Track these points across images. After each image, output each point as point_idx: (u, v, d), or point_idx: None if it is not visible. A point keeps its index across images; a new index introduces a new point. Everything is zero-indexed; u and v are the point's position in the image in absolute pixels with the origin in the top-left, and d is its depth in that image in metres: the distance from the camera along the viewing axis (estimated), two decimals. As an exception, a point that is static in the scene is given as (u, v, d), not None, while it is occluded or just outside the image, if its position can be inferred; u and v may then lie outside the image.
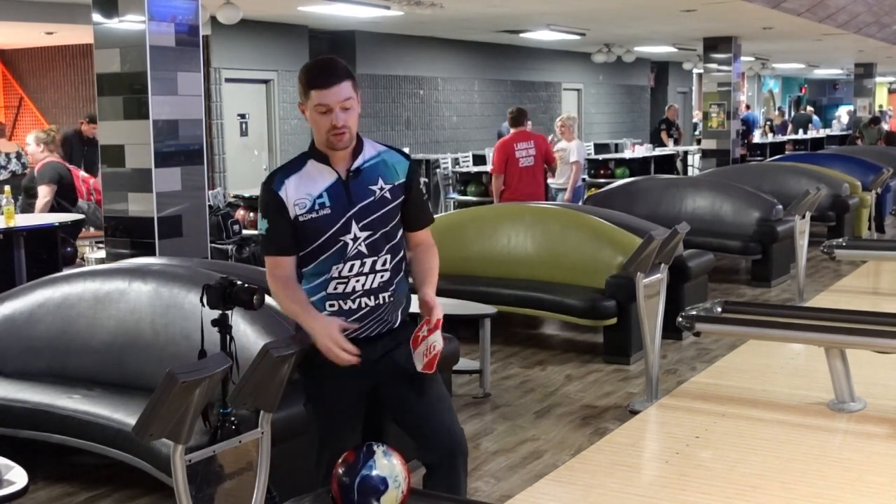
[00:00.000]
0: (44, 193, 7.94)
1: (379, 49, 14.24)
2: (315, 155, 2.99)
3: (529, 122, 8.94)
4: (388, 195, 2.99)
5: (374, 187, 2.98)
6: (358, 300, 2.98)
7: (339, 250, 2.94)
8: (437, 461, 3.03)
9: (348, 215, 2.93)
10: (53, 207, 7.98)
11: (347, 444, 2.98)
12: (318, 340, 2.89)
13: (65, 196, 8.17)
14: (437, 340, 2.92)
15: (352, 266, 2.95)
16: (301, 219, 2.93)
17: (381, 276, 2.99)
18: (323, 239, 2.94)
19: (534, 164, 8.63)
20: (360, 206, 2.95)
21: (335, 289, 2.97)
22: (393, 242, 3.02)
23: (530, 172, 8.61)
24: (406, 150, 3.21)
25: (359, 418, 3.13)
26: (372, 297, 2.99)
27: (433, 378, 3.05)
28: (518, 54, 17.21)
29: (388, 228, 2.99)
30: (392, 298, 3.03)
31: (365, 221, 2.95)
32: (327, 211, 2.93)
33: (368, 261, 2.96)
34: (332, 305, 2.98)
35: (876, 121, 20.51)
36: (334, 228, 2.93)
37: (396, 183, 3.01)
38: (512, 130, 8.79)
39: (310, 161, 2.99)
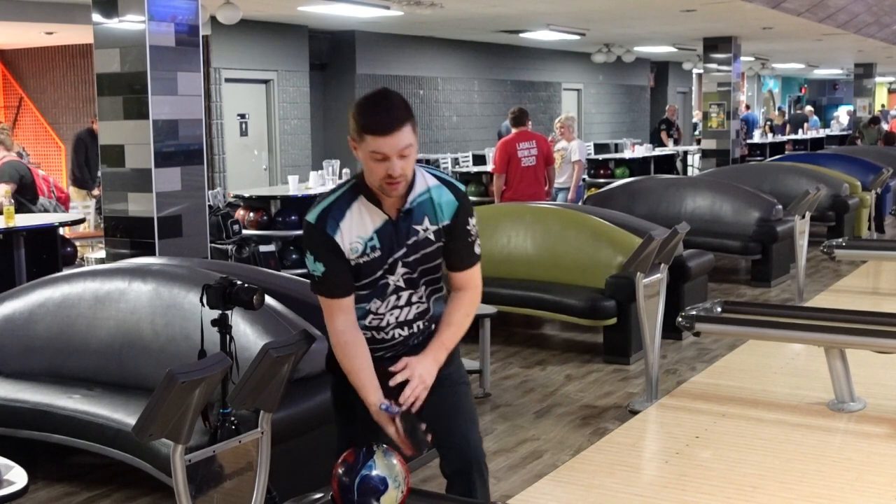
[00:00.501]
0: (2, 193, 7.93)
1: (379, 49, 14.24)
2: (366, 193, 2.77)
3: (530, 122, 8.95)
4: (431, 236, 2.83)
5: (418, 227, 2.81)
6: (392, 331, 2.91)
7: (381, 288, 2.85)
8: (451, 472, 3.00)
9: (396, 256, 2.81)
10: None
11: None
12: (382, 424, 2.78)
13: (25, 194, 8.16)
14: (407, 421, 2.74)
15: (388, 301, 2.87)
16: (353, 262, 2.78)
17: (417, 308, 2.91)
18: (370, 279, 2.82)
19: (535, 164, 8.64)
20: (406, 245, 2.81)
21: (370, 322, 2.89)
22: (432, 276, 2.92)
23: (532, 172, 8.62)
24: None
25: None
26: (405, 328, 2.92)
27: (455, 382, 3.00)
28: (518, 54, 17.21)
29: (428, 266, 2.88)
30: (425, 325, 2.95)
31: (408, 260, 2.83)
32: (377, 253, 2.78)
33: (405, 294, 2.87)
34: (364, 334, 2.89)
35: (876, 121, 20.50)
36: (382, 270, 2.81)
37: (441, 225, 2.83)
38: (513, 130, 8.79)
39: (360, 198, 2.78)
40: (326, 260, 2.77)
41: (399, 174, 2.67)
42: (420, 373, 2.78)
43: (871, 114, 21.60)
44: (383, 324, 2.90)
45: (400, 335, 2.92)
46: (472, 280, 2.95)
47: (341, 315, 2.83)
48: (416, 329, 2.93)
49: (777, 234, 8.82)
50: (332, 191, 2.84)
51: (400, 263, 2.82)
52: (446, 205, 2.82)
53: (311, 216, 2.78)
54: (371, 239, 2.77)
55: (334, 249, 2.76)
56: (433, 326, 2.95)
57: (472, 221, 2.89)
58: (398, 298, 2.87)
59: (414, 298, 2.89)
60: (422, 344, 2.92)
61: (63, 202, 8.60)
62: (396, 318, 2.90)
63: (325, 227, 2.75)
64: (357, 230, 2.76)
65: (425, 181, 2.82)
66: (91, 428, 4.01)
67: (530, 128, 8.92)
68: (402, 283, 2.85)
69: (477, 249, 2.93)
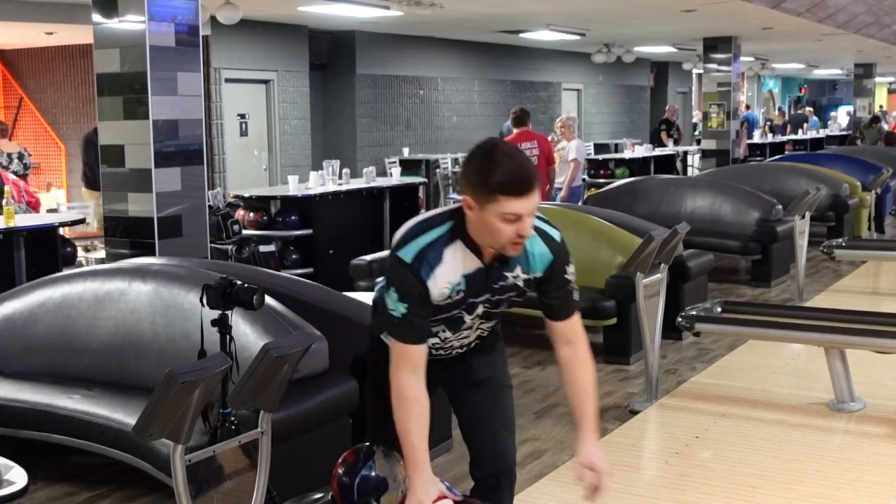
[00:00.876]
0: None
1: (379, 49, 14.23)
2: (466, 241, 2.64)
3: (531, 123, 8.95)
4: (520, 283, 2.76)
5: (509, 273, 2.73)
6: (453, 351, 2.91)
7: (455, 321, 2.79)
8: (482, 477, 2.97)
9: (479, 299, 2.75)
10: None
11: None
12: (409, 493, 2.68)
13: None
14: None
15: (460, 333, 2.84)
16: (436, 302, 2.68)
17: (481, 333, 2.90)
18: (446, 316, 2.75)
19: (536, 164, 8.64)
20: (493, 287, 2.74)
21: (434, 344, 2.82)
22: (502, 310, 2.87)
23: None
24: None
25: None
26: (465, 348, 2.93)
27: (497, 386, 2.98)
28: (518, 54, 17.21)
29: (507, 307, 2.85)
30: (481, 340, 2.93)
31: (491, 299, 2.78)
32: (461, 295, 2.70)
33: (476, 323, 2.85)
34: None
35: (876, 120, 20.50)
36: (461, 308, 2.75)
37: (532, 276, 2.76)
38: (515, 130, 8.79)
39: (458, 244, 2.65)
40: (411, 303, 2.63)
41: (529, 233, 2.58)
42: (599, 464, 2.83)
43: (871, 114, 21.56)
44: (446, 346, 2.89)
45: (458, 352, 2.93)
46: (577, 330, 2.85)
47: (409, 368, 2.68)
48: (476, 344, 2.93)
49: (777, 235, 8.82)
50: (426, 224, 2.69)
51: (481, 304, 2.77)
52: (540, 257, 2.73)
53: (406, 255, 2.63)
54: (459, 283, 2.67)
55: (423, 294, 2.63)
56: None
57: (570, 269, 2.80)
58: (470, 329, 2.85)
59: (484, 327, 2.89)
60: (476, 348, 2.93)
61: (33, 207, 8.54)
62: (460, 343, 2.90)
63: (419, 270, 2.61)
64: (449, 276, 2.64)
65: None
66: (91, 428, 4.01)
67: (531, 128, 8.92)
68: (477, 319, 2.83)
69: (576, 296, 2.84)
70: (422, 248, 2.63)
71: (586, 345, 2.86)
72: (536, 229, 2.70)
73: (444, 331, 2.82)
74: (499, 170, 2.51)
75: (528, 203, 2.51)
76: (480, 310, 2.79)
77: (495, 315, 2.88)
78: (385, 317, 2.71)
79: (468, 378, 2.98)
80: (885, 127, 21.36)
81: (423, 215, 2.76)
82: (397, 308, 2.64)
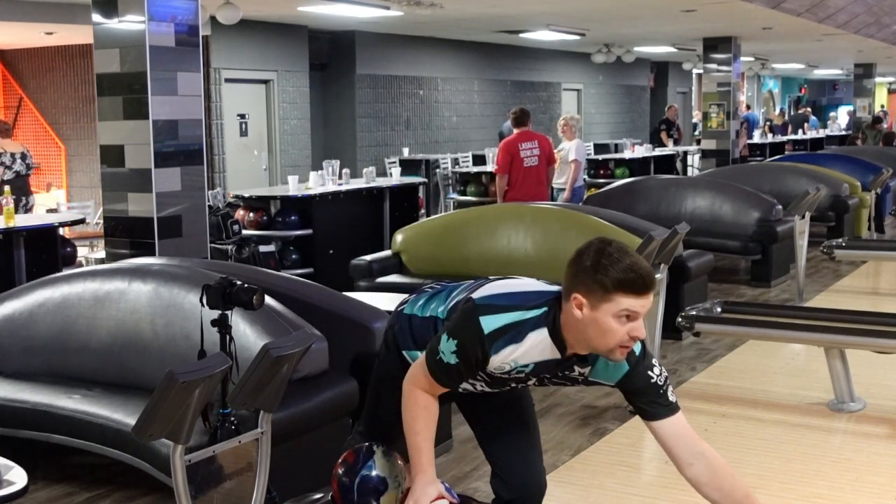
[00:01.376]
0: None
1: (379, 49, 14.24)
2: (554, 334, 2.52)
3: (531, 123, 8.95)
4: (579, 378, 2.66)
5: (577, 368, 2.62)
6: (475, 394, 2.83)
7: (501, 385, 2.71)
8: (509, 499, 2.90)
9: (539, 377, 2.64)
10: None
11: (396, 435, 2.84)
12: (410, 493, 2.65)
13: None
14: None
15: (495, 390, 2.76)
16: (489, 371, 2.60)
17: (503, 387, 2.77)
18: (494, 379, 2.66)
19: (538, 164, 8.64)
20: (557, 372, 2.63)
21: (462, 389, 2.75)
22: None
23: (534, 172, 8.62)
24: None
25: None
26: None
27: (519, 402, 2.93)
28: (518, 54, 17.21)
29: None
30: None
31: (546, 381, 2.68)
32: (522, 375, 2.60)
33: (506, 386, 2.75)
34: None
35: (878, 121, 20.49)
36: (514, 382, 2.67)
37: (600, 381, 2.65)
38: (515, 130, 8.79)
39: (544, 334, 2.53)
40: (464, 362, 2.55)
41: (643, 334, 2.44)
42: None
43: (872, 114, 21.54)
44: (477, 391, 2.79)
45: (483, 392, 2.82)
46: (686, 434, 2.64)
47: (430, 390, 2.65)
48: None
49: (777, 235, 8.82)
50: (521, 300, 2.57)
51: (536, 381, 2.68)
52: (613, 368, 2.60)
53: (487, 324, 2.51)
54: (527, 366, 2.57)
55: (480, 363, 2.56)
56: None
57: (655, 371, 2.62)
58: (508, 388, 2.77)
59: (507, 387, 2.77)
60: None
61: None
62: (481, 389, 2.78)
63: (491, 344, 2.52)
64: (518, 357, 2.54)
65: None
66: (91, 428, 4.01)
67: (532, 128, 8.92)
68: (522, 386, 2.75)
69: (672, 397, 2.63)
70: (505, 325, 2.52)
71: (714, 452, 2.64)
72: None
73: (483, 385, 2.73)
74: (618, 266, 2.39)
75: (646, 302, 2.41)
76: (534, 384, 2.71)
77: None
78: (430, 352, 2.62)
79: (488, 400, 2.90)
80: (885, 126, 21.35)
81: (520, 286, 2.67)
82: (448, 356, 2.56)
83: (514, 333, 2.52)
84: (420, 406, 2.65)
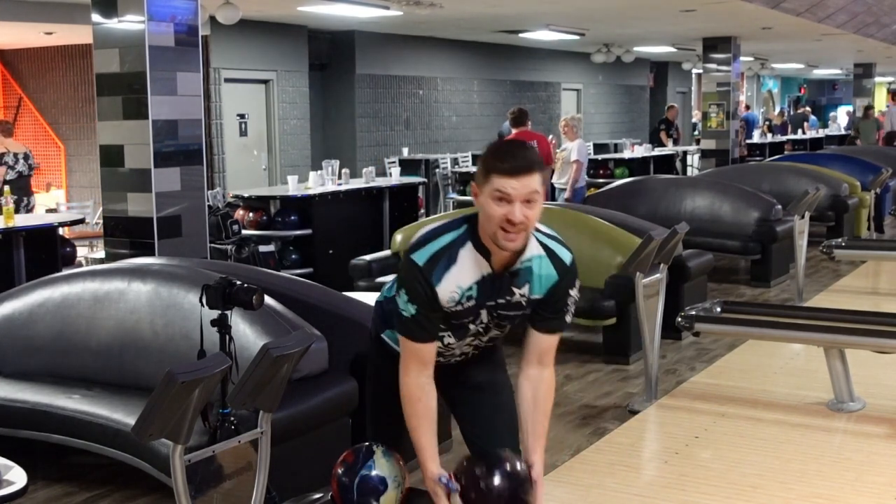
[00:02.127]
0: None
1: (378, 49, 14.23)
2: (476, 244, 2.66)
3: (530, 122, 8.94)
4: (524, 302, 2.76)
5: (516, 290, 2.72)
6: (451, 359, 2.92)
7: (462, 330, 2.80)
8: None
9: (486, 306, 2.74)
10: None
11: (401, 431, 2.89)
12: (435, 498, 2.71)
13: None
14: None
15: (465, 340, 2.85)
16: (446, 308, 2.69)
17: (489, 343, 2.93)
18: (455, 323, 2.77)
19: None
20: (499, 301, 2.73)
21: (437, 354, 2.81)
22: (513, 324, 2.88)
23: None
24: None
25: None
26: (464, 356, 2.94)
27: (499, 389, 2.99)
28: (517, 54, 17.21)
29: (514, 322, 2.85)
30: (482, 351, 2.95)
31: (496, 313, 2.77)
32: (472, 303, 2.70)
33: (483, 338, 2.88)
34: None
35: (869, 108, 20.53)
36: (469, 317, 2.75)
37: (535, 297, 2.75)
38: (514, 130, 8.79)
39: (468, 247, 2.66)
40: (420, 304, 2.67)
41: (519, 221, 2.54)
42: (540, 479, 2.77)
43: (864, 107, 21.47)
44: (448, 352, 2.88)
45: (457, 359, 2.93)
46: (552, 350, 2.87)
47: (418, 366, 2.72)
48: (474, 354, 2.94)
49: (776, 234, 8.82)
50: (441, 229, 2.71)
51: (486, 313, 2.75)
52: (547, 279, 2.73)
53: (420, 257, 2.65)
54: (470, 289, 2.68)
55: (432, 299, 2.66)
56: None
57: (574, 292, 2.79)
58: (474, 338, 2.86)
59: (485, 339, 2.89)
60: (473, 357, 2.94)
61: None
62: (462, 352, 2.91)
63: (430, 274, 2.64)
64: (459, 280, 2.65)
65: (534, 248, 2.71)
66: (90, 428, 4.01)
67: (530, 128, 8.91)
68: (481, 330, 2.83)
69: (568, 318, 2.84)
70: (435, 252, 2.65)
71: (553, 370, 2.88)
72: (546, 249, 2.72)
73: (449, 336, 2.81)
74: (496, 150, 2.61)
75: (520, 185, 2.52)
76: (486, 319, 2.77)
77: (502, 328, 2.87)
78: (396, 316, 2.73)
79: (467, 383, 2.97)
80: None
81: (439, 221, 2.78)
82: (407, 309, 2.68)
83: (446, 258, 2.64)
84: (415, 400, 2.72)
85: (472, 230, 2.67)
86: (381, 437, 2.95)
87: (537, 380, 2.85)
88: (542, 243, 2.73)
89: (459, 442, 4.61)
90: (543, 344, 2.85)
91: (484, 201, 2.58)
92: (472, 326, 2.79)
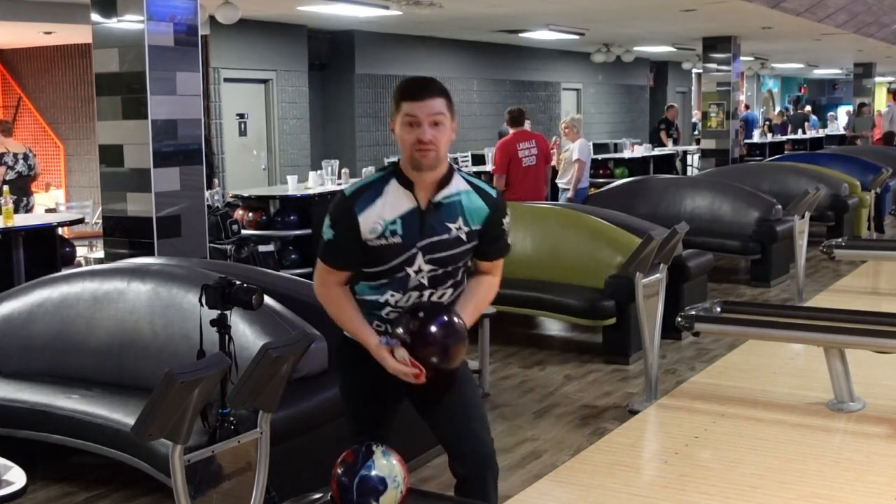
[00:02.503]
0: None
1: (378, 49, 14.23)
2: (399, 177, 2.85)
3: (528, 122, 8.92)
4: (463, 236, 2.87)
5: (451, 225, 2.85)
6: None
7: (401, 280, 2.85)
8: (465, 473, 2.98)
9: (416, 247, 2.82)
10: None
11: (381, 433, 2.97)
12: (383, 362, 2.82)
13: None
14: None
15: (409, 297, 2.88)
16: (370, 243, 2.81)
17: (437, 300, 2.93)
18: (386, 267, 2.83)
19: (536, 164, 8.63)
20: (431, 240, 2.83)
21: (388, 315, 2.89)
22: (457, 279, 2.94)
23: (533, 172, 8.60)
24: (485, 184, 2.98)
25: (391, 417, 3.08)
26: None
27: (465, 384, 3.03)
28: (517, 54, 17.20)
29: (456, 266, 2.90)
30: None
31: (433, 256, 2.84)
32: (398, 240, 2.80)
33: (427, 292, 2.89)
34: (379, 327, 2.90)
35: (862, 105, 20.53)
36: (400, 259, 2.82)
37: (474, 228, 2.88)
38: (511, 130, 8.78)
39: (392, 182, 2.84)
40: (339, 231, 2.84)
41: (429, 139, 2.75)
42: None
43: (859, 104, 21.44)
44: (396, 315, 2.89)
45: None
46: (498, 267, 3.06)
47: (333, 280, 2.92)
48: None
49: (776, 234, 8.82)
50: (374, 172, 2.96)
51: (421, 256, 2.83)
52: (477, 211, 2.88)
53: (349, 190, 2.88)
54: (394, 223, 2.81)
55: (352, 227, 2.81)
56: None
57: (506, 221, 2.98)
58: (420, 296, 2.88)
59: (435, 298, 2.90)
60: None
61: None
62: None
63: (353, 204, 2.82)
64: (382, 212, 2.81)
65: (462, 183, 2.89)
66: (90, 428, 4.01)
67: (528, 127, 8.90)
68: (425, 281, 2.86)
69: (508, 240, 3.03)
70: (362, 185, 2.87)
71: (498, 280, 3.08)
72: (472, 185, 2.92)
73: (392, 294, 2.87)
74: (404, 83, 2.86)
75: (425, 107, 2.76)
76: (424, 264, 2.84)
77: (445, 282, 2.90)
78: (319, 241, 2.93)
79: (434, 377, 2.93)
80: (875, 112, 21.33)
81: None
82: (327, 233, 2.88)
83: (373, 190, 2.84)
84: (334, 298, 2.91)
85: (396, 168, 2.88)
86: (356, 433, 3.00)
87: (480, 278, 3.05)
88: (467, 181, 2.91)
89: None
90: (489, 266, 3.04)
91: (398, 131, 2.81)
92: (410, 273, 2.84)
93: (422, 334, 2.79)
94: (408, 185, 2.83)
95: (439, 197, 2.83)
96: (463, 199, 2.87)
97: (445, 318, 2.82)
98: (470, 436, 2.97)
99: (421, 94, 2.78)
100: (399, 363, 2.79)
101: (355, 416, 3.06)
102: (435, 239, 2.83)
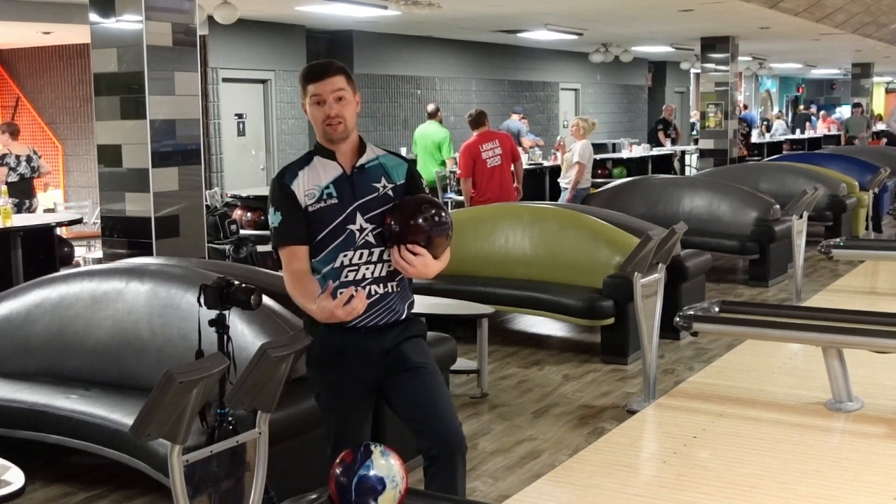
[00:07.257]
0: None
1: (376, 49, 14.23)
2: (320, 151, 3.15)
3: (489, 122, 8.93)
4: (390, 193, 3.13)
5: (377, 185, 3.13)
6: (368, 287, 3.08)
7: (347, 238, 3.07)
8: (435, 452, 3.05)
9: (353, 206, 3.08)
10: None
11: (360, 436, 3.10)
12: (319, 316, 2.97)
13: None
14: None
15: (360, 254, 3.08)
16: (311, 209, 3.06)
17: (389, 266, 3.10)
18: (331, 227, 3.06)
19: (501, 164, 8.62)
20: (364, 199, 3.09)
21: (346, 276, 3.07)
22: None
23: (498, 172, 8.59)
24: (403, 151, 3.27)
25: (368, 411, 3.21)
26: (381, 285, 3.11)
27: (434, 372, 3.16)
28: (516, 54, 17.21)
29: None
30: (399, 288, 3.16)
31: (370, 215, 3.09)
32: (334, 201, 3.07)
33: (376, 250, 3.09)
34: (342, 293, 2.99)
35: (856, 105, 20.54)
36: (341, 217, 3.07)
37: (398, 183, 3.15)
38: (474, 133, 8.76)
39: (316, 157, 3.14)
40: (283, 208, 3.07)
41: (335, 114, 3.06)
42: None
43: (854, 103, 21.45)
44: (359, 276, 3.07)
45: (376, 291, 3.10)
46: None
47: (295, 262, 3.07)
48: (390, 289, 3.12)
49: (775, 234, 8.82)
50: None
51: (360, 215, 3.08)
52: (398, 167, 3.19)
53: (280, 172, 3.14)
54: (328, 187, 3.09)
55: (290, 197, 3.07)
56: (407, 303, 3.19)
57: (424, 183, 3.31)
58: (370, 254, 3.09)
59: (385, 255, 3.10)
60: (399, 307, 3.14)
61: None
62: (372, 272, 3.09)
63: (283, 178, 3.10)
64: (314, 180, 3.09)
65: (375, 151, 3.20)
66: (88, 428, 4.01)
67: (490, 127, 8.93)
68: (371, 239, 3.08)
69: (427, 190, 3.29)
70: (290, 164, 3.17)
71: None
72: (386, 150, 3.24)
73: (344, 254, 3.06)
74: (305, 68, 3.16)
75: (327, 84, 3.05)
76: (363, 223, 3.07)
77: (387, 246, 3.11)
78: (271, 235, 3.13)
79: (402, 366, 3.12)
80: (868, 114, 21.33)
81: None
82: (275, 219, 3.09)
83: (297, 165, 3.14)
84: (298, 285, 3.05)
85: (316, 146, 3.18)
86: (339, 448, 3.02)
87: None
88: (380, 148, 3.23)
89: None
90: None
91: (309, 111, 3.10)
92: (353, 230, 3.07)
93: (410, 223, 3.04)
94: (330, 155, 3.12)
95: (361, 161, 3.14)
96: (382, 160, 3.18)
97: (433, 210, 3.07)
98: (435, 416, 3.08)
99: (322, 74, 3.07)
100: (337, 301, 2.90)
101: (335, 428, 3.17)
102: (367, 198, 3.09)
